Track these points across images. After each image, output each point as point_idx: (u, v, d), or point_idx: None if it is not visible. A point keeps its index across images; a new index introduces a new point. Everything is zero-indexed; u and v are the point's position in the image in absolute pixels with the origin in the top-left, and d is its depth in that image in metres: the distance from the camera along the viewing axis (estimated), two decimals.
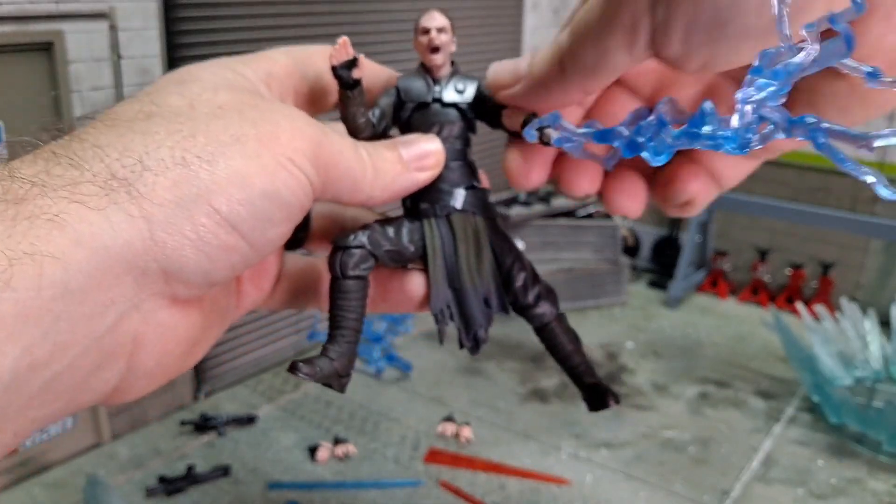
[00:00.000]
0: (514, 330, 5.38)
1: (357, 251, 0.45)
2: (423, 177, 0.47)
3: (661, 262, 6.45)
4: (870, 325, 4.66)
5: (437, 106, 0.49)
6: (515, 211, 5.87)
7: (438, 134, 0.48)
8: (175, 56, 3.99)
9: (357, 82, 0.44)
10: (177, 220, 0.34)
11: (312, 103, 0.48)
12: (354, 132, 0.46)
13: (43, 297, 0.30)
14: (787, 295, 5.79)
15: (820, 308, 4.78)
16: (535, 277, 0.50)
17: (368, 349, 4.87)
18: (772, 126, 0.32)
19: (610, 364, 5.05)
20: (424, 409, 4.52)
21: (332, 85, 0.46)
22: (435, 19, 0.48)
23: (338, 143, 0.41)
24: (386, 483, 3.70)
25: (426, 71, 0.49)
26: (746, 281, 6.13)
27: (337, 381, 0.45)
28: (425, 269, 0.48)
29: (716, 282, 6.20)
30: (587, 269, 5.80)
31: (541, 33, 6.66)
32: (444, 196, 0.48)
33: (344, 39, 0.44)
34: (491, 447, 4.15)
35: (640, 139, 0.35)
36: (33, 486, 3.22)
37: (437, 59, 0.48)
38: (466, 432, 4.19)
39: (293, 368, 0.44)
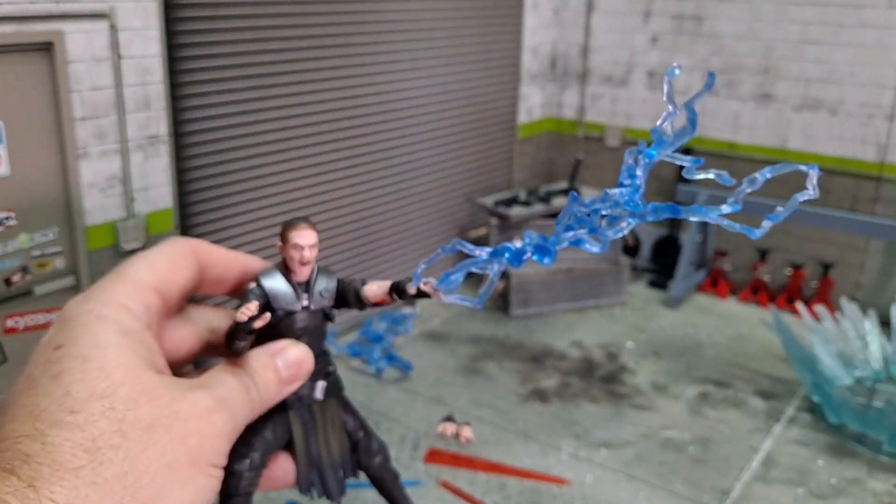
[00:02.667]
0: (514, 330, 5.39)
1: (250, 474, 0.52)
2: (296, 387, 0.53)
3: (661, 262, 6.40)
4: (870, 325, 4.63)
5: (304, 312, 0.54)
6: (516, 211, 5.87)
7: (303, 336, 0.54)
8: (175, 56, 3.99)
9: (255, 330, 0.51)
10: None
11: (166, 314, 0.52)
12: (236, 354, 0.51)
13: None
14: (787, 295, 5.77)
15: (820, 308, 4.78)
16: (372, 437, 0.60)
17: (369, 349, 4.88)
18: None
19: (610, 364, 5.06)
20: (424, 409, 4.53)
21: (183, 291, 0.53)
22: (307, 237, 0.53)
23: (241, 410, 0.48)
24: None
25: (288, 271, 0.54)
26: (746, 281, 6.13)
27: None
28: (293, 454, 0.56)
29: (716, 282, 6.18)
30: (587, 269, 5.77)
31: (541, 33, 6.66)
32: (306, 388, 0.56)
33: (255, 303, 0.50)
34: (491, 447, 4.17)
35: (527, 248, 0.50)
36: None
37: (305, 271, 0.54)
38: (466, 432, 4.20)
39: None
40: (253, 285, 0.53)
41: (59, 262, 3.53)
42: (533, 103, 6.39)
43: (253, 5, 4.13)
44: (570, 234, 0.49)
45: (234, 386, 0.49)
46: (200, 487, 0.43)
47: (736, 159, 5.74)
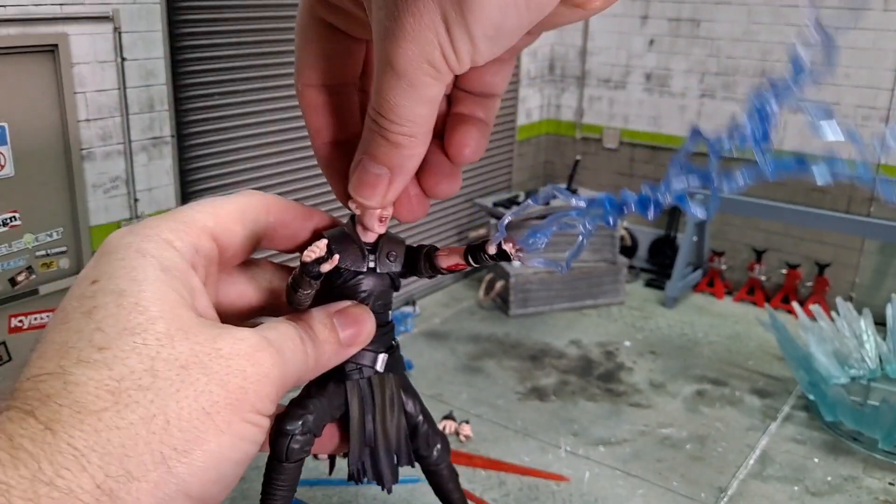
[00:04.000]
0: (513, 329, 5.42)
1: (302, 437, 0.47)
2: (354, 351, 0.49)
3: (658, 262, 6.45)
4: (865, 324, 4.69)
5: (370, 275, 0.49)
6: (515, 211, 5.89)
7: (367, 301, 0.49)
8: (179, 58, 4.02)
9: (322, 274, 0.45)
10: None
11: (225, 265, 0.48)
12: (297, 306, 0.47)
13: None
14: (782, 294, 5.82)
15: (815, 307, 4.83)
16: (433, 425, 0.54)
17: None
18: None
19: (608, 363, 5.10)
20: None
21: (246, 244, 0.48)
22: None
23: (292, 357, 0.43)
24: None
25: (356, 229, 0.49)
26: (743, 281, 6.19)
27: None
28: (345, 429, 0.51)
29: (712, 281, 6.22)
30: (585, 269, 5.82)
31: (539, 36, 6.69)
32: (367, 359, 0.50)
33: (325, 242, 0.45)
34: (490, 445, 4.21)
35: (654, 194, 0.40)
36: None
37: (381, 230, 0.49)
38: (466, 430, 4.24)
39: None
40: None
41: (64, 262, 3.56)
42: (532, 105, 6.43)
43: (256, 8, 4.17)
44: (681, 185, 0.39)
45: (287, 332, 0.44)
46: (240, 435, 0.39)
47: (732, 159, 5.78)
